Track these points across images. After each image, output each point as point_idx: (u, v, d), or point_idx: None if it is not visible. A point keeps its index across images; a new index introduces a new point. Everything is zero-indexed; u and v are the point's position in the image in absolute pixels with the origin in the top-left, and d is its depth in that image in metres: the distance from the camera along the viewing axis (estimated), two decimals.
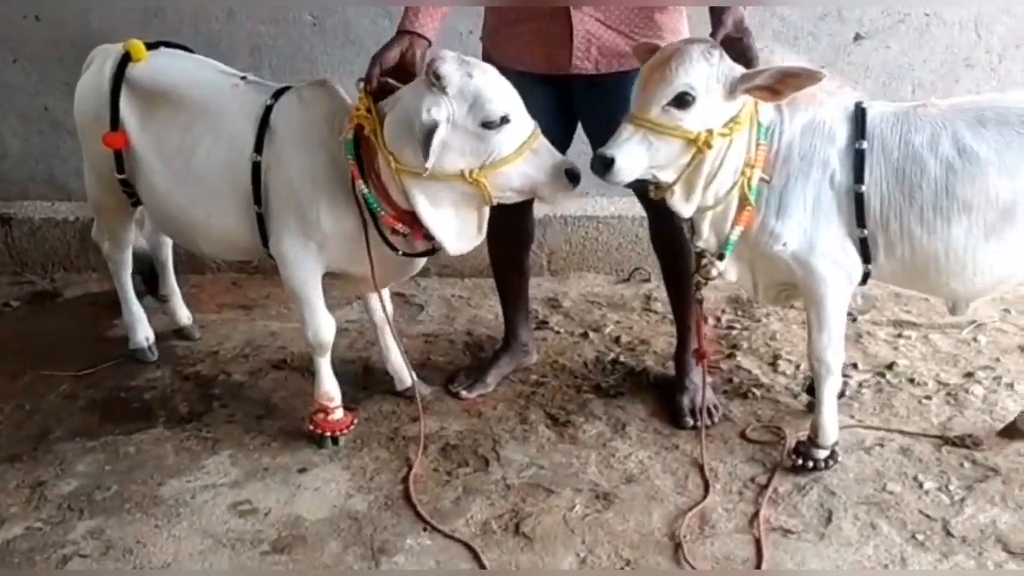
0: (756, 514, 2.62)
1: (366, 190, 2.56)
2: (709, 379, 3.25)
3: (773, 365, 3.39)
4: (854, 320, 3.70)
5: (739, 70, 2.39)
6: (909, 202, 2.42)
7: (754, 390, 3.23)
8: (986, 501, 2.64)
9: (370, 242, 2.65)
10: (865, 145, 2.44)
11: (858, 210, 2.46)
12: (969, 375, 3.29)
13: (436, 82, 2.39)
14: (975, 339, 3.52)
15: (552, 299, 4.00)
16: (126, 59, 2.93)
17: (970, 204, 2.37)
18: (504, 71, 2.88)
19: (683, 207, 2.49)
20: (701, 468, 2.81)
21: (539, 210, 4.11)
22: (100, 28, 4.13)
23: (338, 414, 2.97)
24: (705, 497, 2.70)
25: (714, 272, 2.64)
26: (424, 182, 2.46)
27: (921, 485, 2.72)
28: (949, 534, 2.52)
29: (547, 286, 4.11)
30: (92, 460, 2.93)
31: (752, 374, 3.35)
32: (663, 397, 3.18)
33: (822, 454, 2.75)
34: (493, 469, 2.85)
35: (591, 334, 3.68)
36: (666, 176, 2.42)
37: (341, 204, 2.63)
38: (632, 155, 2.36)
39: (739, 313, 3.79)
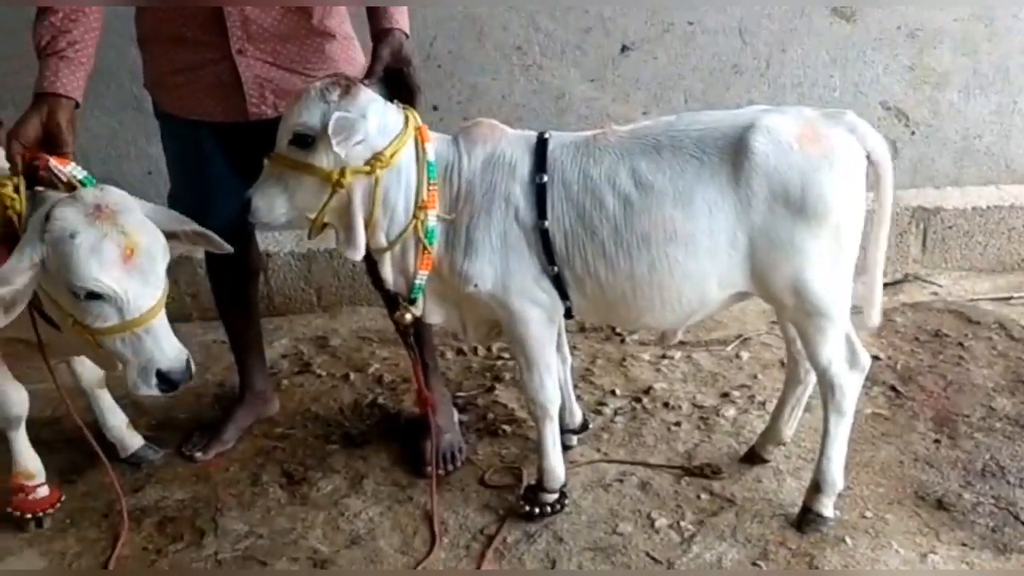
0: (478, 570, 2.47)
1: None
2: (464, 418, 3.14)
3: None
4: (622, 341, 3.60)
5: (364, 108, 2.23)
6: (591, 238, 2.29)
7: (505, 427, 3.09)
8: (716, 536, 2.54)
9: (34, 316, 2.39)
10: (545, 179, 2.31)
11: (545, 246, 2.33)
12: (725, 395, 3.21)
13: (45, 224, 2.11)
14: (738, 355, 3.46)
15: (321, 338, 3.80)
16: None
17: (648, 237, 2.25)
18: (177, 122, 2.70)
19: (348, 250, 2.34)
20: (431, 521, 2.65)
21: (304, 243, 3.94)
22: None
23: (41, 492, 2.72)
24: (428, 555, 2.54)
25: (408, 318, 2.48)
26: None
27: (653, 523, 2.61)
28: None
29: (317, 324, 3.92)
30: None
31: (508, 408, 3.21)
32: (410, 441, 3.00)
33: (550, 498, 2.62)
34: (208, 542, 2.64)
35: (353, 375, 3.49)
36: (311, 215, 2.30)
37: None
38: (269, 195, 2.28)
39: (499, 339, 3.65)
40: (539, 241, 2.33)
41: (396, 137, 2.28)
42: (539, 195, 2.31)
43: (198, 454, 3.01)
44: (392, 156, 2.27)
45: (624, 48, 4.04)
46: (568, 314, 2.46)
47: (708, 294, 2.33)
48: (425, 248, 2.35)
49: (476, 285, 2.36)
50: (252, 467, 2.97)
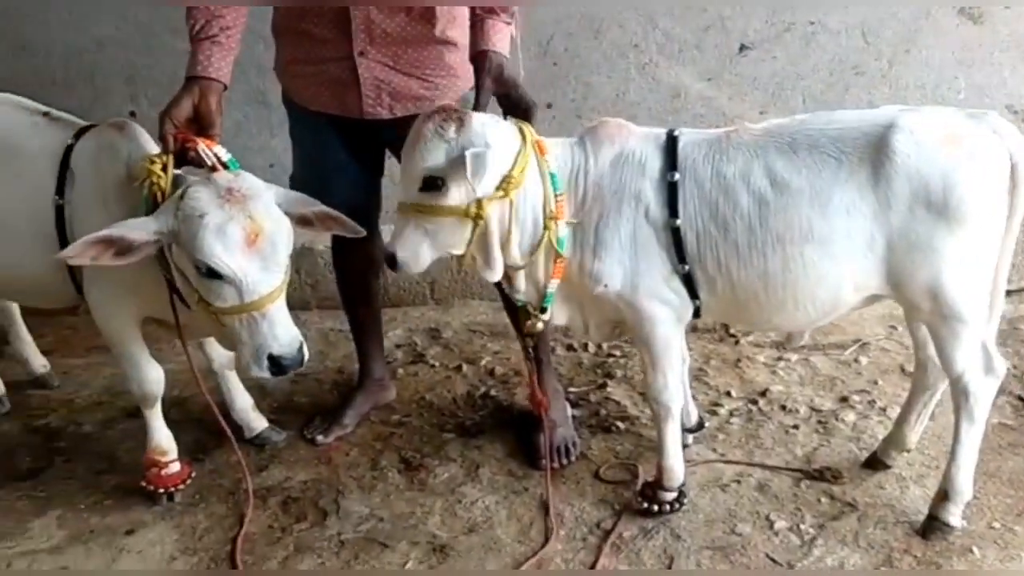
0: (595, 564, 2.48)
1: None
2: (576, 413, 3.16)
3: (644, 395, 3.24)
4: (737, 343, 3.57)
5: (484, 136, 2.23)
6: (724, 236, 2.28)
7: (618, 423, 3.10)
8: (837, 541, 2.51)
9: (173, 296, 2.49)
10: (677, 177, 2.30)
11: (676, 245, 2.32)
12: (844, 400, 3.16)
13: (179, 201, 2.22)
14: (856, 360, 3.40)
15: (434, 329, 3.87)
16: None
17: (783, 237, 2.23)
18: (300, 109, 2.78)
19: (488, 272, 2.38)
20: (547, 513, 2.68)
21: None
22: None
23: (173, 468, 2.82)
24: (545, 545, 2.56)
25: (539, 326, 2.51)
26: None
27: (772, 525, 2.58)
28: None
29: (430, 316, 3.99)
30: None
31: (620, 406, 3.21)
32: (524, 435, 3.03)
33: (668, 496, 2.62)
34: (331, 523, 2.71)
35: (465, 367, 3.55)
36: (458, 251, 2.32)
37: None
38: (412, 245, 2.30)
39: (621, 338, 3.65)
40: (670, 240, 2.32)
41: (518, 155, 2.29)
42: (670, 193, 2.30)
43: (319, 437, 3.10)
44: (520, 173, 2.28)
45: (743, 47, 4.00)
46: (696, 313, 2.45)
47: (842, 296, 2.30)
48: (558, 256, 2.36)
49: (606, 285, 2.37)
50: (371, 452, 3.04)
